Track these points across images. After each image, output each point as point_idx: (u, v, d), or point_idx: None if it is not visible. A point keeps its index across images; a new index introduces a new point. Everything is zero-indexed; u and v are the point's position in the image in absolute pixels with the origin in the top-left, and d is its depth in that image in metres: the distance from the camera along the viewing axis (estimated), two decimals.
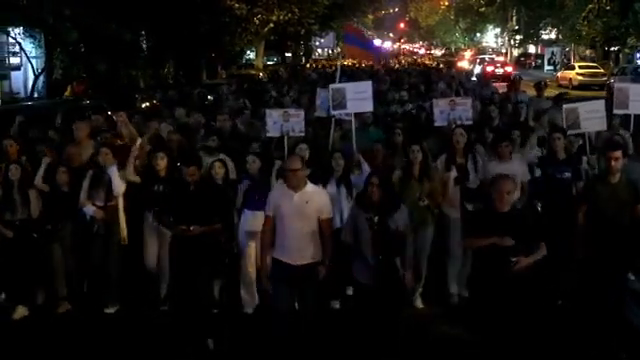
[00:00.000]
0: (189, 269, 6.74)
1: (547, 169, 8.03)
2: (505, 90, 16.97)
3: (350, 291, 7.30)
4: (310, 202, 6.30)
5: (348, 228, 6.41)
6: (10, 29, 24.88)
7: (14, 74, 26.98)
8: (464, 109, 9.47)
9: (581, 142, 8.89)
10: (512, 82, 17.40)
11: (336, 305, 7.80)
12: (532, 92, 14.60)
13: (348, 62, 38.21)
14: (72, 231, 7.92)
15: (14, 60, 26.77)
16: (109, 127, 10.14)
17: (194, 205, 6.73)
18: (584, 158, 8.51)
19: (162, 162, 7.78)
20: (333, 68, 29.13)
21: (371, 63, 30.32)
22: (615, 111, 9.48)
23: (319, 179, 7.46)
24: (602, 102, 9.22)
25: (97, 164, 7.94)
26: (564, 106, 9.16)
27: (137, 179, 7.94)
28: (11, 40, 25.74)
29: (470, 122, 9.33)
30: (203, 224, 6.66)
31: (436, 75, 23.67)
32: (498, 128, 10.03)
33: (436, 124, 9.57)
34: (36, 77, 25.27)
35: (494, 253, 5.63)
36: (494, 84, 21.22)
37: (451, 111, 9.41)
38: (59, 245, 7.92)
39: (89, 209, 7.80)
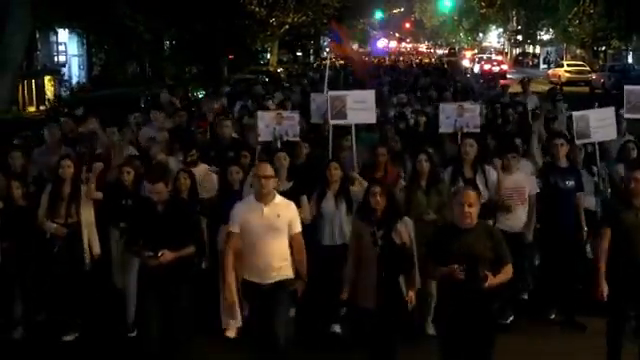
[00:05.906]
0: (160, 296, 5.77)
1: (549, 178, 7.14)
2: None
3: (337, 328, 6.66)
4: (281, 215, 5.53)
5: (352, 247, 5.65)
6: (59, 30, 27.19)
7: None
8: (472, 116, 8.56)
9: (589, 150, 8.06)
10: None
11: (337, 329, 6.74)
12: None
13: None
14: (31, 250, 6.82)
15: (61, 58, 28.82)
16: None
17: (163, 229, 5.67)
18: (594, 168, 7.72)
19: (129, 177, 6.90)
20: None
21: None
22: (626, 115, 8.58)
23: (313, 192, 6.81)
24: (612, 110, 8.30)
25: (58, 177, 6.79)
26: (574, 114, 8.28)
27: (99, 196, 6.95)
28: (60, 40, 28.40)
29: (478, 130, 8.40)
30: (173, 249, 5.62)
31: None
32: (504, 135, 8.96)
33: (441, 130, 8.61)
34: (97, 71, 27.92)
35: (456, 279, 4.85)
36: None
37: (458, 117, 8.49)
38: (16, 265, 6.78)
39: (49, 226, 6.73)
